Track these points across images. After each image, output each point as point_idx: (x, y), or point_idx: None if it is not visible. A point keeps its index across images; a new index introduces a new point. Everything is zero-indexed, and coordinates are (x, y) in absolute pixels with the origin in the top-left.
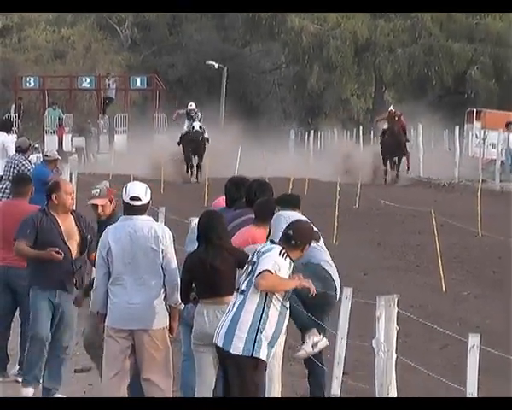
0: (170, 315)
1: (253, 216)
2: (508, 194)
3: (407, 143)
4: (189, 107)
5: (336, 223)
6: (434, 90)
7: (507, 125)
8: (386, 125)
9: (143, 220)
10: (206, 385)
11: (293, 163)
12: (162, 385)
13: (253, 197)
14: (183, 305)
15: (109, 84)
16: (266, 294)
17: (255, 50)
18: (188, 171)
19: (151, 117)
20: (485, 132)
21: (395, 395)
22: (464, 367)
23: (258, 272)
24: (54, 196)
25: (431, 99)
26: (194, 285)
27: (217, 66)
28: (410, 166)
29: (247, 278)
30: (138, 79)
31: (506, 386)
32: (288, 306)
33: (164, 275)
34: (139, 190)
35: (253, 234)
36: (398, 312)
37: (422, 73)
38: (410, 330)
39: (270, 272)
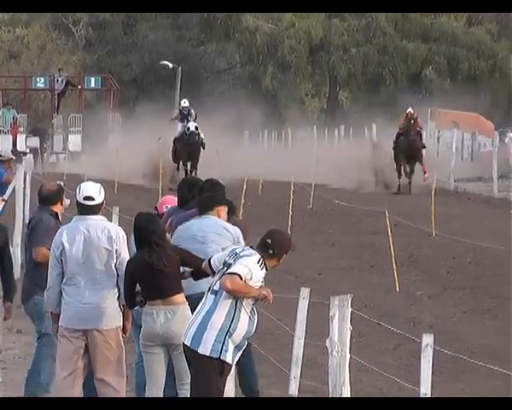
0: (123, 315)
1: None
2: (461, 194)
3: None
4: (182, 104)
5: (290, 223)
6: (389, 89)
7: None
8: (401, 129)
9: (97, 220)
10: (156, 386)
11: (247, 163)
12: (115, 385)
13: None
14: (138, 305)
15: (58, 80)
16: (237, 299)
17: (210, 50)
18: (178, 170)
19: (105, 117)
20: (439, 132)
21: (348, 395)
22: (417, 367)
23: (229, 271)
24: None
25: (385, 99)
26: (140, 288)
27: (171, 66)
28: (426, 171)
29: (220, 278)
30: (93, 79)
31: (459, 386)
32: (256, 311)
33: (117, 275)
34: (93, 190)
35: None
36: (351, 311)
37: (377, 72)
38: (364, 329)
39: (240, 277)
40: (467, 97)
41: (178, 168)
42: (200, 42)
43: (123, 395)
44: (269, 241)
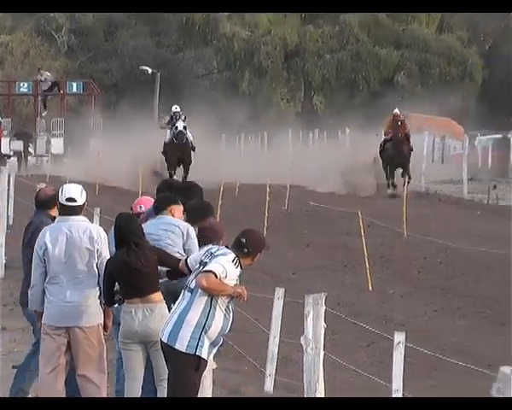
0: (104, 313)
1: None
2: (433, 195)
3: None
4: (174, 109)
5: (266, 224)
6: (362, 94)
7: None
8: (389, 135)
9: (79, 221)
10: (134, 381)
11: (224, 165)
12: (96, 381)
13: (182, 199)
14: (116, 304)
15: (42, 79)
16: (213, 296)
17: (188, 56)
18: (172, 176)
19: (87, 121)
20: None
21: (323, 392)
22: (390, 364)
23: (205, 269)
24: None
25: (358, 104)
26: (119, 287)
27: (150, 71)
28: (411, 178)
29: (196, 277)
30: (74, 84)
31: (430, 382)
32: (231, 309)
33: (99, 274)
34: (75, 192)
35: None
36: (325, 310)
37: (350, 78)
38: (338, 327)
39: (215, 275)
40: (438, 102)
41: (171, 174)
42: (178, 48)
43: (104, 390)
44: (243, 240)
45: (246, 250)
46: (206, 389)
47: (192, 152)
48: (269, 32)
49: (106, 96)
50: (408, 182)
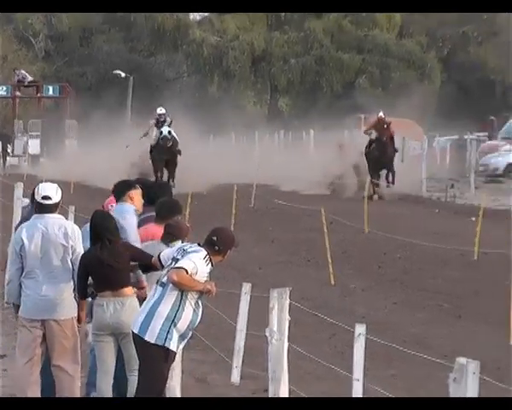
0: (78, 306)
1: (153, 214)
2: (393, 193)
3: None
4: (159, 111)
5: (233, 221)
6: (325, 97)
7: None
8: (373, 136)
9: (54, 218)
10: (106, 372)
11: (194, 166)
12: (71, 371)
13: (153, 197)
14: (89, 297)
15: (18, 80)
16: (183, 291)
17: (159, 60)
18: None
19: (63, 123)
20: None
21: (287, 381)
22: (351, 354)
23: (176, 265)
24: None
25: (322, 106)
26: (92, 280)
27: (124, 75)
28: (394, 182)
29: (168, 272)
30: (51, 88)
31: (390, 372)
32: (201, 304)
33: (73, 269)
34: (50, 190)
35: (152, 231)
36: (290, 303)
37: (314, 81)
38: (301, 320)
39: (186, 271)
40: (398, 104)
41: (157, 177)
42: (150, 53)
43: (78, 380)
44: (214, 238)
45: (217, 248)
46: (175, 378)
47: (178, 156)
48: (237, 38)
49: (81, 99)
50: (391, 182)
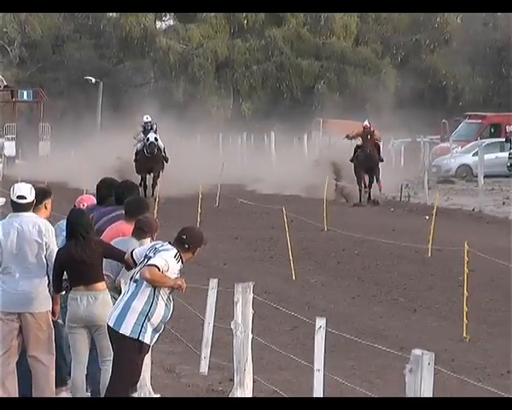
0: (52, 300)
1: (122, 212)
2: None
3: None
4: (145, 119)
5: (199, 219)
6: (285, 101)
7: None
8: (359, 142)
9: (29, 217)
10: (79, 362)
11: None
12: (45, 361)
13: (121, 196)
14: (64, 291)
15: None
16: (155, 287)
17: (128, 67)
18: (141, 185)
19: (36, 126)
20: (329, 139)
21: (251, 371)
22: (312, 346)
23: (149, 263)
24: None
25: (283, 110)
26: (66, 275)
27: (94, 81)
28: (381, 187)
29: (141, 269)
30: (25, 92)
31: (349, 363)
32: (172, 299)
33: (47, 264)
34: (25, 190)
35: (122, 228)
36: (253, 297)
37: (275, 87)
38: (264, 313)
39: (158, 268)
40: (354, 108)
41: (141, 183)
42: (119, 60)
43: (52, 370)
44: (184, 237)
45: (186, 246)
46: (145, 368)
47: (164, 163)
48: (201, 46)
49: (54, 103)
50: (370, 188)
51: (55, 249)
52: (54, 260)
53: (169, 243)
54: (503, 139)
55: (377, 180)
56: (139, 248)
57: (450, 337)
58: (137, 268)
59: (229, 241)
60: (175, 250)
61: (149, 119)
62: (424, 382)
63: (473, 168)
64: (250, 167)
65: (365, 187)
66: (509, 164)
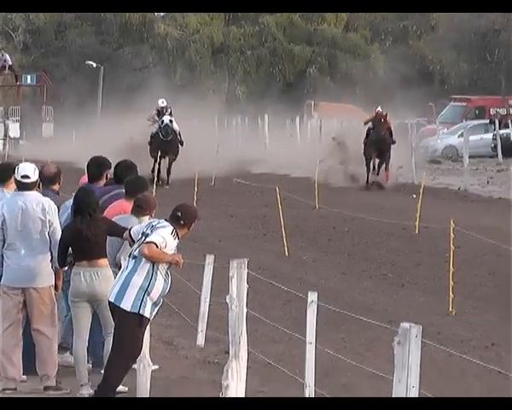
0: (55, 275)
1: (122, 191)
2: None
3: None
4: (160, 103)
5: (196, 198)
6: (279, 85)
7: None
8: (371, 125)
9: (33, 195)
10: (81, 337)
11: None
12: (48, 334)
13: (120, 176)
14: (66, 266)
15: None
16: (154, 263)
17: (127, 52)
18: (153, 172)
19: (40, 109)
20: (321, 121)
21: (246, 343)
22: (304, 320)
23: (147, 240)
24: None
25: (276, 93)
26: (71, 251)
27: (95, 65)
28: (388, 179)
29: (139, 246)
30: (29, 77)
31: (340, 335)
32: (170, 274)
33: (50, 241)
34: (29, 170)
35: (123, 206)
36: (248, 273)
37: (268, 71)
38: (259, 288)
39: (156, 245)
40: (345, 92)
41: (154, 169)
42: (119, 45)
43: (55, 342)
44: (179, 213)
45: (182, 222)
46: (144, 341)
47: (180, 146)
48: (197, 32)
49: (56, 87)
50: (379, 171)
51: (58, 227)
52: (60, 236)
53: (165, 220)
54: (488, 121)
55: (386, 168)
56: (136, 227)
57: (436, 311)
58: (135, 245)
59: (225, 219)
60: (171, 227)
61: (165, 103)
62: (412, 354)
63: (458, 149)
64: (245, 148)
65: (373, 169)
66: (492, 145)
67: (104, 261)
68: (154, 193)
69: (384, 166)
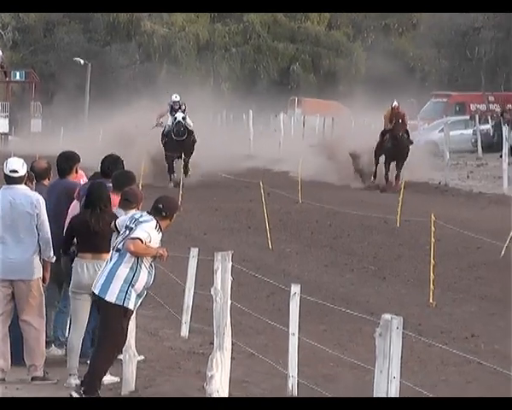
0: (43, 268)
1: (109, 185)
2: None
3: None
4: (174, 98)
5: (181, 192)
6: (263, 82)
7: None
8: (388, 125)
9: (21, 189)
10: (79, 328)
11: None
12: (36, 325)
13: (106, 170)
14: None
15: None
16: (138, 256)
17: (114, 49)
18: (169, 172)
19: (28, 105)
20: (304, 117)
21: (230, 334)
22: (287, 311)
23: (132, 236)
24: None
25: (260, 90)
26: (76, 241)
27: (83, 62)
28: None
29: (123, 239)
30: (18, 73)
31: (322, 327)
32: (154, 266)
33: (38, 234)
34: (17, 164)
35: (113, 199)
36: (232, 265)
37: (253, 68)
38: (243, 280)
39: (141, 241)
40: (328, 88)
41: (170, 169)
42: (106, 42)
43: (43, 333)
44: (160, 206)
45: (164, 213)
46: (130, 332)
47: (194, 143)
48: (183, 29)
49: (45, 84)
50: (397, 177)
51: (46, 220)
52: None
53: (147, 212)
54: (468, 117)
55: (398, 174)
56: (121, 218)
57: (417, 303)
58: (119, 238)
59: (210, 212)
60: (155, 221)
61: (178, 98)
62: (393, 345)
63: (439, 144)
64: (230, 144)
65: (385, 175)
66: (473, 140)
67: (107, 255)
68: (140, 187)
69: (396, 173)
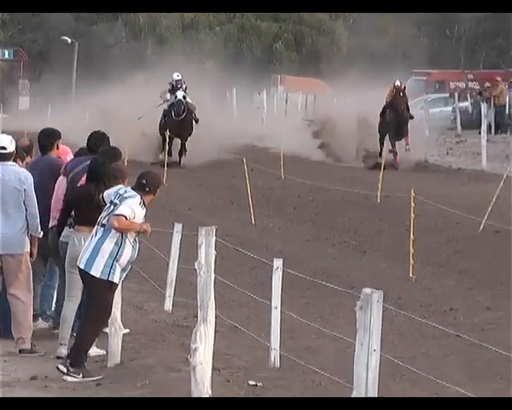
0: (31, 242)
1: None
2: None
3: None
4: (175, 77)
5: (166, 169)
6: (247, 60)
7: None
8: (388, 99)
9: (9, 166)
10: (72, 302)
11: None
12: (24, 299)
13: (93, 146)
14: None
15: None
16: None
17: (101, 28)
18: (163, 151)
19: (17, 82)
20: (287, 94)
21: (213, 307)
22: (270, 285)
23: (116, 212)
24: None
25: (243, 68)
26: (74, 213)
27: (70, 41)
28: (409, 143)
29: (108, 214)
30: (6, 52)
31: (304, 300)
32: (138, 241)
33: (26, 209)
34: (5, 141)
35: None
36: (216, 240)
37: (237, 46)
38: (226, 255)
39: (125, 217)
40: (310, 66)
41: (164, 146)
42: (93, 21)
43: (30, 306)
44: (144, 181)
45: (147, 189)
46: (115, 305)
47: (194, 124)
48: None
49: (33, 62)
50: (394, 150)
51: (34, 196)
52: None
53: (132, 188)
54: (447, 95)
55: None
56: (107, 192)
57: (397, 277)
58: (104, 213)
59: (194, 188)
60: (139, 197)
61: (179, 76)
62: (373, 318)
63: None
64: (214, 121)
65: (391, 151)
66: (452, 117)
67: None
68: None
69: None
